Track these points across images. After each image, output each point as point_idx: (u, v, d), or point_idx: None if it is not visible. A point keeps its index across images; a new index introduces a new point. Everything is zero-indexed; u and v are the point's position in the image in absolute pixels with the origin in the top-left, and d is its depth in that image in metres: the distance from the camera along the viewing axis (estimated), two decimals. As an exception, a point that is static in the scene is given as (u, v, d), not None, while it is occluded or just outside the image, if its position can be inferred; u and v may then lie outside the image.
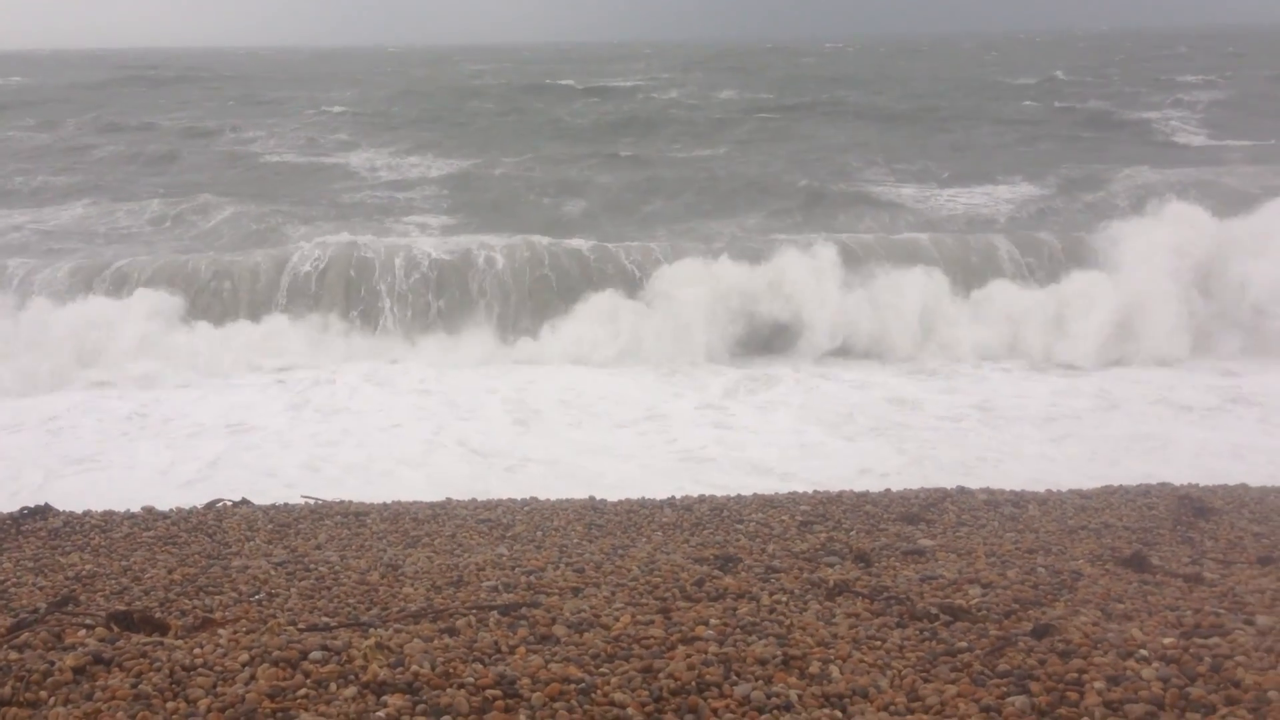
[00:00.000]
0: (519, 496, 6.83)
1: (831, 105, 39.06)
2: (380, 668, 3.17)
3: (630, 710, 2.95)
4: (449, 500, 6.71)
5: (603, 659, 3.32)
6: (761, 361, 12.95)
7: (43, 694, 3.05)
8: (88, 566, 4.95)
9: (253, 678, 3.12)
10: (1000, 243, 15.49)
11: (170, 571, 4.80)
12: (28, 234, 18.65)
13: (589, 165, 25.84)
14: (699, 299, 13.41)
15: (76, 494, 7.95)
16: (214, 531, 5.75)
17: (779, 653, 3.33)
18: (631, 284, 14.33)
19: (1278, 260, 13.69)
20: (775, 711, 2.97)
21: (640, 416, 10.77)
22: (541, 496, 6.82)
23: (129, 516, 6.14)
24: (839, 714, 2.96)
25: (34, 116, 37.66)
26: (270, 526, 5.86)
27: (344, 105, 41.93)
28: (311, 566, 4.84)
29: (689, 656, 3.29)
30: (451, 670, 3.17)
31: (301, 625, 3.79)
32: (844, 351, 13.20)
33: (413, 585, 4.46)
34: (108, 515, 6.14)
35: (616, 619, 3.74)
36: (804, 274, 13.98)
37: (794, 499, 6.46)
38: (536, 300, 14.34)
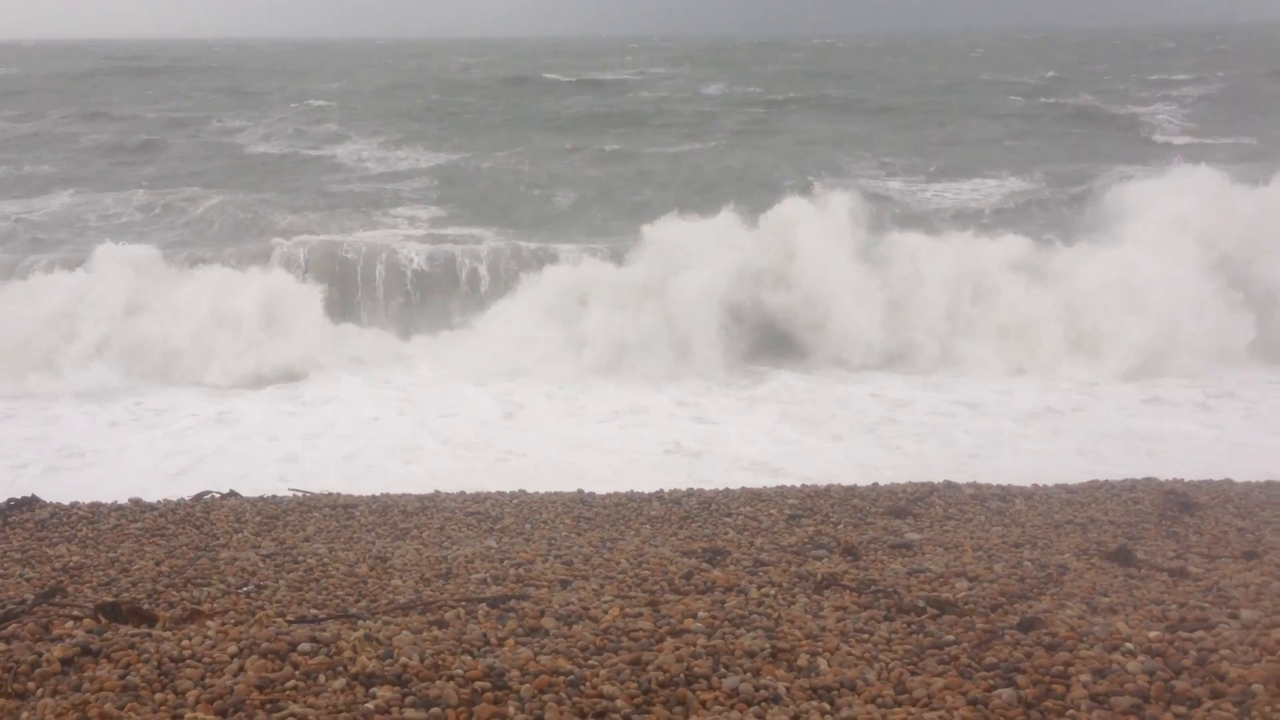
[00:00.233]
0: (507, 489, 6.83)
1: (820, 100, 39.06)
2: (369, 660, 3.17)
3: (619, 702, 2.96)
4: (437, 493, 6.71)
5: (591, 651, 3.33)
6: (761, 361, 12.80)
7: (31, 685, 3.05)
8: (75, 558, 4.94)
9: (241, 669, 3.12)
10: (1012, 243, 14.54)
11: (158, 563, 4.79)
12: (13, 224, 18.53)
13: (577, 159, 25.80)
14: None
15: (67, 489, 7.91)
16: (202, 523, 5.74)
17: (767, 645, 3.34)
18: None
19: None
20: (763, 704, 2.98)
21: (622, 410, 10.77)
22: (530, 490, 6.82)
23: (116, 508, 6.12)
24: (827, 706, 2.98)
25: (18, 107, 37.37)
26: (259, 519, 5.85)
27: (332, 97, 41.73)
28: (300, 559, 4.84)
29: (677, 649, 3.31)
30: (440, 662, 3.17)
31: (290, 617, 3.79)
32: (840, 361, 12.78)
33: (401, 577, 4.46)
34: (95, 507, 6.12)
35: (605, 611, 3.75)
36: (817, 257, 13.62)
37: (782, 493, 6.47)
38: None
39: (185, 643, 3.33)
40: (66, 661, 3.18)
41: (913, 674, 3.18)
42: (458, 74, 57.31)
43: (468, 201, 21.04)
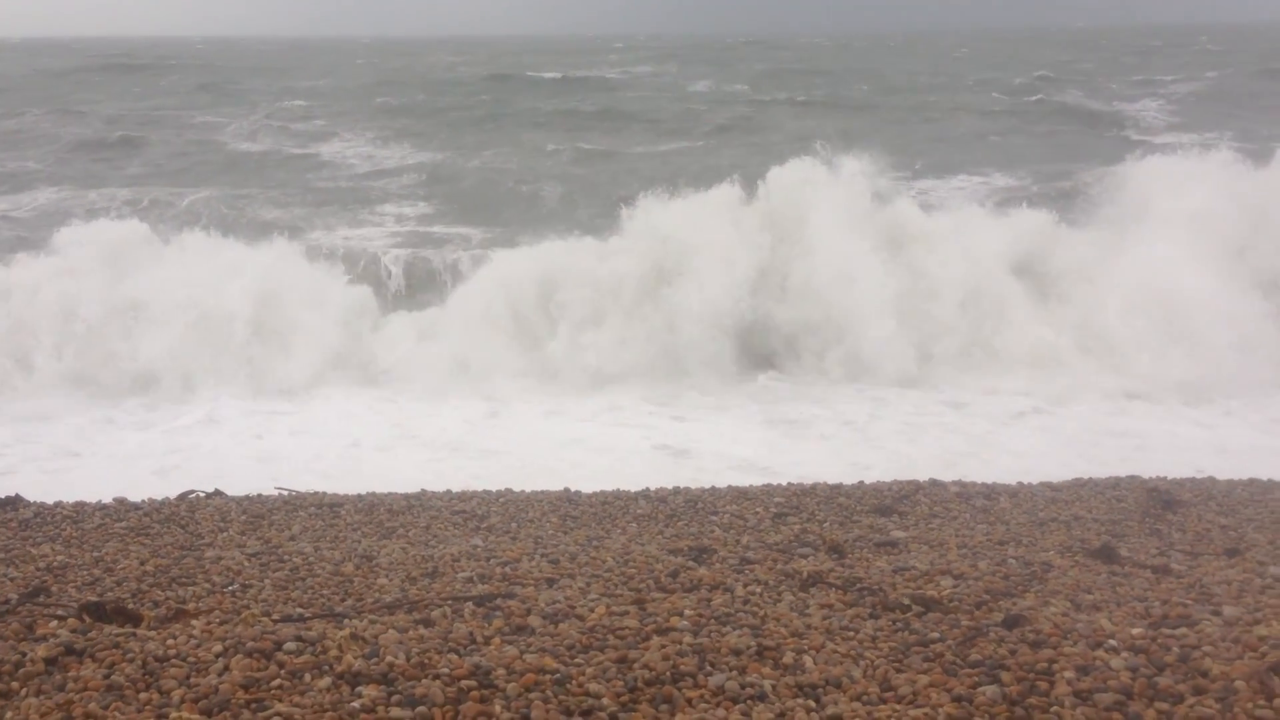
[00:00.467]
0: (493, 488, 6.83)
1: (806, 98, 39.10)
2: (355, 658, 3.17)
3: (605, 700, 2.97)
4: (424, 491, 6.70)
5: (578, 650, 3.33)
6: (748, 360, 12.65)
7: (14, 685, 3.04)
8: (59, 557, 4.92)
9: (226, 669, 3.12)
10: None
11: (143, 563, 4.77)
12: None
13: (564, 156, 25.79)
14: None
15: (52, 488, 7.85)
16: (187, 523, 5.72)
17: (753, 643, 3.35)
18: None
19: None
20: (749, 701, 2.99)
21: (606, 409, 10.76)
22: (516, 488, 6.82)
23: (101, 507, 6.10)
24: (812, 704, 2.99)
25: (-1, 104, 37.17)
26: (244, 518, 5.84)
27: (317, 95, 41.61)
28: (286, 557, 4.83)
29: (664, 647, 3.31)
30: (426, 661, 3.17)
31: (276, 616, 3.78)
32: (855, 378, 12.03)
33: (387, 576, 4.46)
34: (79, 506, 6.10)
35: (591, 610, 3.76)
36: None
37: (768, 491, 6.48)
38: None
39: (170, 642, 3.32)
40: (50, 661, 3.17)
41: (898, 671, 3.19)
42: (444, 72, 57.17)
43: (454, 198, 21.01)
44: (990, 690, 3.00)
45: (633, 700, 2.98)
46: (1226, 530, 5.29)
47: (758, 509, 5.89)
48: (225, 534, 5.49)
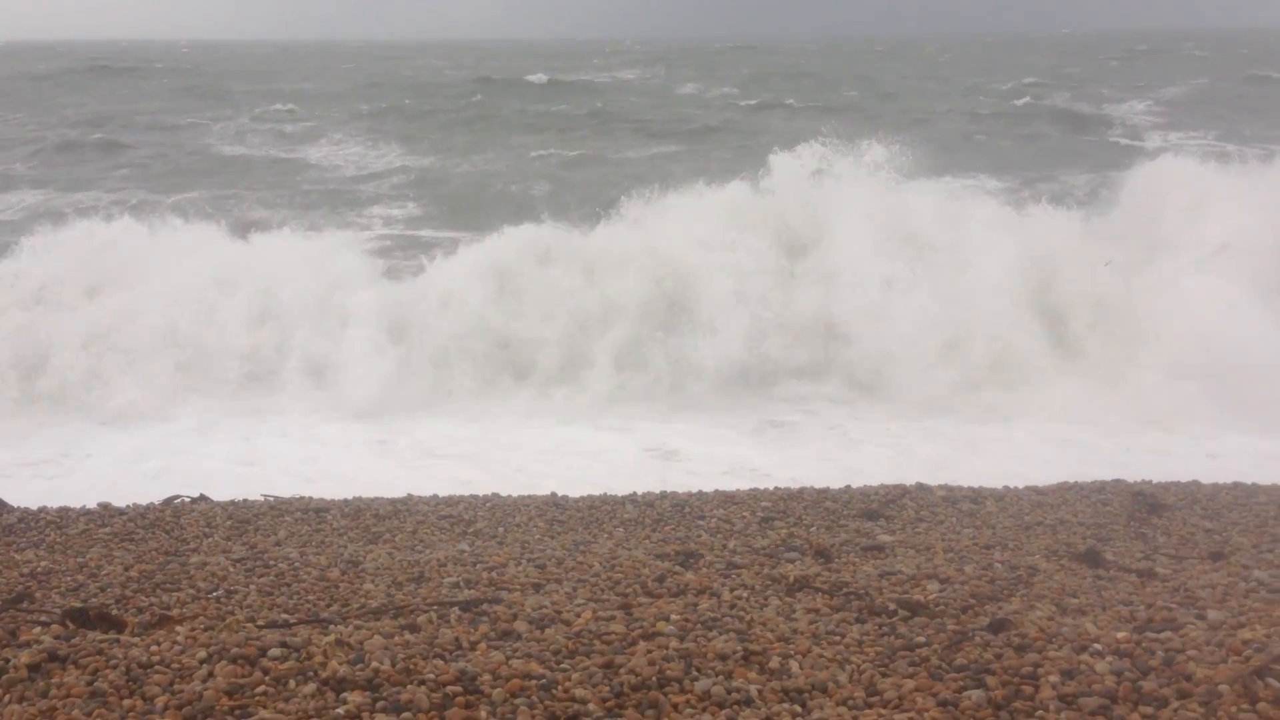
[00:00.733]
0: (480, 493, 6.82)
1: (793, 101, 39.19)
2: (340, 664, 3.16)
3: (591, 706, 2.96)
4: (410, 496, 6.68)
5: (564, 655, 3.33)
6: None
7: (-3, 692, 3.02)
8: (43, 563, 4.89)
9: (211, 675, 3.10)
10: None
11: (127, 568, 4.75)
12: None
13: (553, 160, 25.81)
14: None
15: (35, 494, 7.82)
16: (172, 528, 5.70)
17: (739, 648, 3.35)
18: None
19: None
20: (735, 706, 2.99)
21: (590, 412, 10.74)
22: (502, 493, 6.81)
23: (85, 513, 6.07)
24: (799, 709, 2.99)
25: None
26: (229, 523, 5.82)
27: (304, 98, 41.57)
28: (271, 563, 4.81)
29: (650, 652, 3.31)
30: (412, 667, 3.16)
31: (260, 622, 3.77)
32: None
33: (373, 582, 4.44)
34: (63, 511, 6.07)
35: (578, 615, 3.75)
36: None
37: (755, 495, 6.49)
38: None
39: (154, 648, 3.30)
40: (34, 668, 3.15)
41: (884, 676, 3.19)
42: (432, 75, 57.14)
43: (442, 201, 21.00)
44: (975, 694, 3.01)
45: (619, 705, 2.98)
46: (1211, 534, 5.31)
47: (745, 513, 5.89)
48: (210, 539, 5.47)
